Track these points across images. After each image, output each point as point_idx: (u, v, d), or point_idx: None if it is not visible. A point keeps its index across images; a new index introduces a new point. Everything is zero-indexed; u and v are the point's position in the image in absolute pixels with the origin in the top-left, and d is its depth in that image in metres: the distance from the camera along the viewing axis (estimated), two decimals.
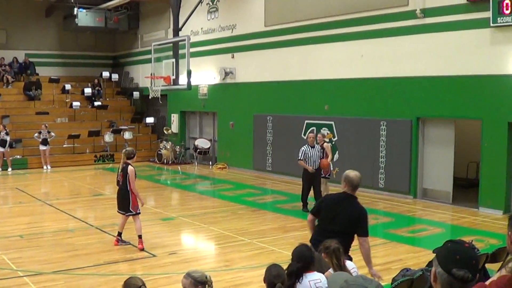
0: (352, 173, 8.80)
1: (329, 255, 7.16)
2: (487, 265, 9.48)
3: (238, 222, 16.84)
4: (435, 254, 3.49)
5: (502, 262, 9.17)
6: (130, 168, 13.60)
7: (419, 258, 12.88)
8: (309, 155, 17.81)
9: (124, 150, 14.24)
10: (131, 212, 13.63)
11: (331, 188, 18.27)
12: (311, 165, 17.77)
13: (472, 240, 9.64)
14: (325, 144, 18.78)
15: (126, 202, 13.67)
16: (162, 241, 14.02)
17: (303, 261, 6.70)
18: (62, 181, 26.04)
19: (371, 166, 21.30)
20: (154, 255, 13.19)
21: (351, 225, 8.58)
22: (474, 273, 3.24)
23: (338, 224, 8.49)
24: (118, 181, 13.86)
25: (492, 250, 9.72)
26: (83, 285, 11.11)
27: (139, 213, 13.81)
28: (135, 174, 13.72)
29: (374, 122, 21.42)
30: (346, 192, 8.74)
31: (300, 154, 18.03)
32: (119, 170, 13.82)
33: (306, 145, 18.13)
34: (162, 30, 34.02)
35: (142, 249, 13.45)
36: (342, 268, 7.07)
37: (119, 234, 14.02)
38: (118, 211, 14.02)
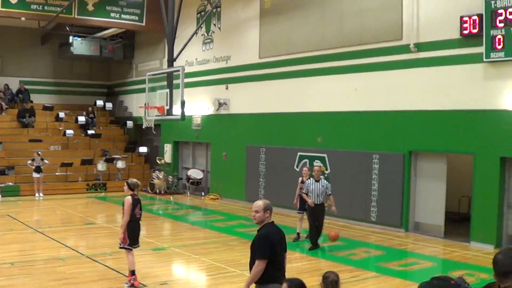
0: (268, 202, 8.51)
1: (326, 285, 7.18)
2: None
3: (229, 253, 16.80)
4: None
5: None
6: (126, 198, 12.97)
7: None
8: (312, 188, 17.59)
9: (129, 180, 13.54)
10: (121, 246, 13.18)
11: (330, 222, 18.27)
12: (314, 199, 17.50)
13: (462, 275, 9.69)
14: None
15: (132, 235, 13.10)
16: (153, 271, 13.96)
17: None
18: (54, 209, 25.95)
19: (363, 199, 21.35)
20: (145, 286, 13.11)
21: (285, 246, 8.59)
22: None
23: (283, 254, 8.48)
24: (139, 214, 13.20)
25: (483, 285, 9.70)
26: None
27: (131, 247, 13.12)
28: (132, 204, 12.88)
29: (367, 155, 21.48)
30: (271, 222, 8.44)
31: (305, 187, 17.78)
32: (137, 203, 13.16)
33: (311, 179, 17.84)
34: (157, 60, 34.18)
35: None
36: None
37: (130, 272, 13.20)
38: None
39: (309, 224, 17.89)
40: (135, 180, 13.65)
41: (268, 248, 8.17)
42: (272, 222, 8.41)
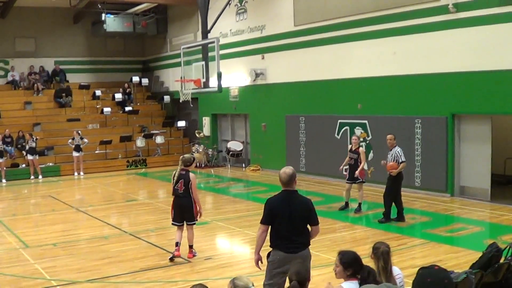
0: (281, 171, 8.67)
1: (376, 256, 6.96)
2: None
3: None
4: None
5: None
6: (191, 175, 13.14)
7: (459, 258, 12.61)
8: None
9: (181, 156, 13.58)
10: (196, 221, 13.31)
11: (367, 188, 18.02)
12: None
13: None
14: (360, 149, 18.29)
15: (190, 211, 13.14)
16: (197, 246, 13.77)
17: (301, 277, 6.53)
18: (95, 187, 26.01)
19: (407, 165, 21.04)
20: (189, 261, 13.04)
21: (305, 218, 8.52)
22: None
23: (297, 222, 8.44)
24: (175, 190, 13.17)
25: None
26: None
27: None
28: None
29: (409, 119, 21.10)
30: (285, 190, 8.57)
31: (397, 158, 16.50)
32: (176, 178, 13.17)
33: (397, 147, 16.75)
34: (191, 33, 33.94)
35: (191, 257, 13.25)
36: (388, 272, 6.86)
37: (190, 246, 13.41)
38: (174, 223, 13.36)
39: (397, 196, 16.66)
40: (188, 155, 13.91)
41: (266, 214, 8.50)
42: (287, 190, 8.56)
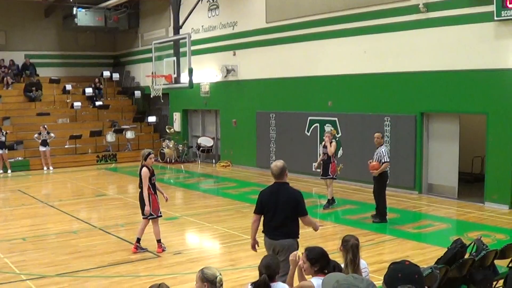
0: (272, 164, 9.46)
1: (346, 249, 7.05)
2: (496, 261, 9.38)
3: (243, 220, 16.67)
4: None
5: (511, 259, 9.11)
6: (143, 170, 13.20)
7: (425, 254, 12.80)
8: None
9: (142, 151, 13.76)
10: (152, 215, 13.18)
11: (342, 186, 18.15)
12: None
13: (480, 236, 9.60)
14: (330, 143, 17.96)
15: (141, 206, 13.27)
16: (166, 241, 13.84)
17: (270, 271, 6.65)
18: (64, 182, 25.91)
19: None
20: (158, 256, 13.08)
21: (292, 209, 9.07)
22: (419, 286, 3.35)
23: (282, 213, 9.05)
24: (139, 184, 13.46)
25: (502, 246, 9.61)
26: None
27: (160, 216, 13.43)
28: (151, 174, 13.26)
29: (378, 117, 21.28)
30: (276, 182, 9.31)
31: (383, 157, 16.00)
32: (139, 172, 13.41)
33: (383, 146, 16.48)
34: (163, 28, 33.87)
35: (161, 252, 13.27)
36: (356, 265, 6.96)
37: (138, 240, 13.50)
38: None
39: (383, 197, 16.37)
40: (146, 150, 13.80)
41: (257, 204, 9.34)
42: (278, 182, 9.29)
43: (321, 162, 18.18)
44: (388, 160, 16.08)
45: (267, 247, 9.20)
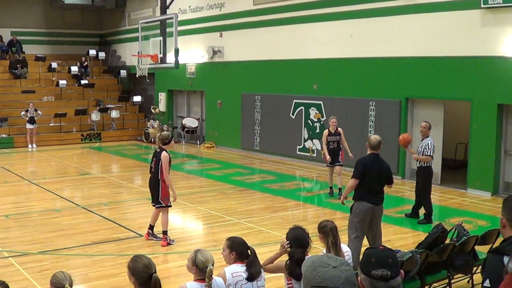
0: (372, 136, 10.79)
1: (325, 234, 7.11)
2: (477, 247, 9.47)
3: (226, 201, 16.76)
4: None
5: (491, 245, 9.20)
6: (164, 154, 12.40)
7: (407, 239, 12.94)
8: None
9: (159, 134, 13.05)
10: (161, 204, 12.48)
11: (321, 168, 18.16)
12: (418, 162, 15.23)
13: (461, 222, 9.69)
14: (339, 129, 17.50)
15: (155, 193, 12.53)
16: (149, 221, 13.86)
17: (301, 243, 6.77)
18: (48, 160, 25.82)
19: (359, 146, 21.23)
20: (141, 235, 13.11)
21: (387, 177, 10.47)
22: (394, 270, 3.39)
23: (382, 179, 10.35)
24: (150, 168, 12.68)
25: (482, 233, 9.70)
26: (70, 266, 10.93)
27: (170, 206, 12.68)
28: (170, 161, 12.52)
29: (363, 102, 21.32)
30: (372, 153, 10.40)
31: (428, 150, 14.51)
32: (152, 155, 12.83)
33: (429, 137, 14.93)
34: (150, 8, 33.74)
35: (165, 245, 12.41)
36: (338, 247, 7.03)
37: (151, 227, 12.84)
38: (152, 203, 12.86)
39: (429, 195, 15.03)
40: (167, 132, 13.38)
41: (360, 171, 10.15)
42: (374, 153, 10.40)
43: (331, 150, 17.24)
44: (431, 154, 14.50)
45: (364, 212, 10.09)
